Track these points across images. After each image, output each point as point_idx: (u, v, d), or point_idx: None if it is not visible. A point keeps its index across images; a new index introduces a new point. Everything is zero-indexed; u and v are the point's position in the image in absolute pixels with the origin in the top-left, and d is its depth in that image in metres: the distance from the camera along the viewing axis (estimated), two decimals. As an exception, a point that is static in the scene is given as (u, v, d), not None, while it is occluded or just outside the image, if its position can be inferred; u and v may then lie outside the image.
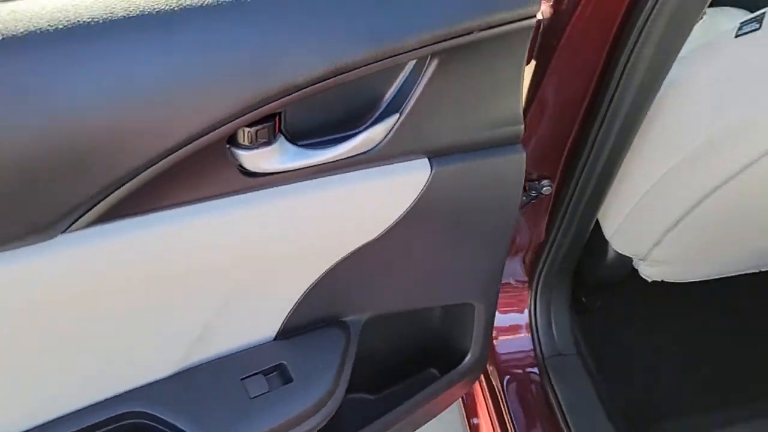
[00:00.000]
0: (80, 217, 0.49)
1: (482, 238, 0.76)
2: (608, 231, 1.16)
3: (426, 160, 0.65)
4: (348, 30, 0.52)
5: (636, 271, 1.21)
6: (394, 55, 0.55)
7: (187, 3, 0.49)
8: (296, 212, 0.61)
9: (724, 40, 0.88)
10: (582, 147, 0.93)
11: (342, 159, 0.59)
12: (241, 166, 0.56)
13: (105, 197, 0.49)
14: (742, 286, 1.29)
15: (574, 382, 1.10)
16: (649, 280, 1.22)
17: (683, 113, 0.95)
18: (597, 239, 1.18)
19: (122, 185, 0.49)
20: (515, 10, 0.59)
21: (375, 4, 0.53)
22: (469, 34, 0.58)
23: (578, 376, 1.11)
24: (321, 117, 0.59)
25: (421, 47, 0.56)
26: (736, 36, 0.85)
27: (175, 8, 0.48)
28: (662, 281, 1.22)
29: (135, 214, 0.53)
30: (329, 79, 0.53)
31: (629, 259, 1.20)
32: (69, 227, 0.50)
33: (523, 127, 0.69)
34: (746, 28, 0.84)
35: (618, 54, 0.81)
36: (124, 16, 0.47)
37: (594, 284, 1.29)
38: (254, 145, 0.54)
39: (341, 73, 0.53)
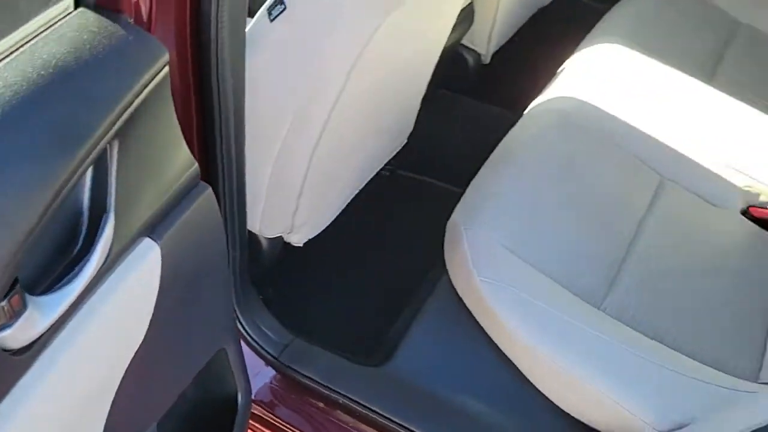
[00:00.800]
0: None
1: (214, 281, 0.76)
2: (254, 225, 1.24)
3: (149, 239, 0.62)
4: (48, 144, 0.46)
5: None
6: (93, 149, 0.51)
7: None
8: (69, 363, 0.52)
9: (263, 25, 1.01)
10: (213, 162, 0.97)
11: (91, 281, 0.53)
12: (6, 349, 0.45)
13: None
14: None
15: (313, 357, 1.19)
16: (301, 245, 1.36)
17: (264, 104, 1.07)
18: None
19: None
20: (155, 63, 0.59)
21: (59, 104, 0.48)
22: (131, 105, 0.57)
23: (311, 351, 1.20)
24: (41, 252, 0.51)
25: (107, 133, 0.53)
26: (272, 20, 0.99)
27: None
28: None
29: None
30: (52, 204, 0.46)
31: (279, 239, 1.31)
32: None
33: (197, 165, 0.71)
34: (276, 11, 0.98)
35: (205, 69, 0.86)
36: None
37: (260, 278, 1.37)
38: (14, 318, 0.45)
39: (60, 192, 0.47)
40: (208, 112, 0.89)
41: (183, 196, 0.68)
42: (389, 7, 1.04)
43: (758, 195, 1.25)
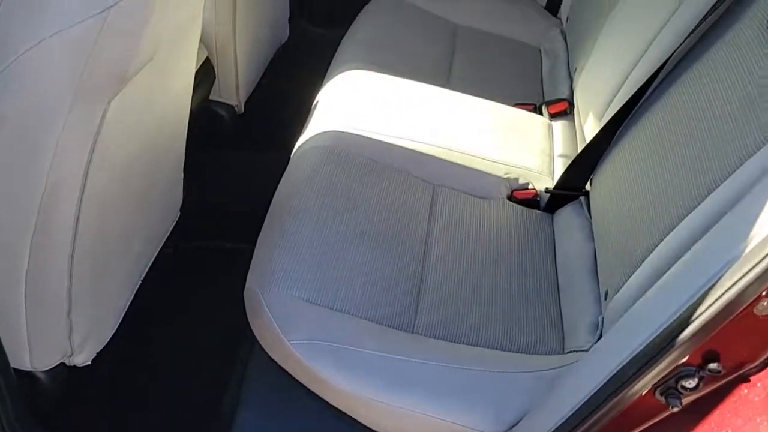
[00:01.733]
0: None
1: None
2: (23, 362, 1.09)
3: None
4: None
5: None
6: None
7: None
8: None
9: None
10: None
11: None
12: None
13: None
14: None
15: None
16: (90, 362, 1.21)
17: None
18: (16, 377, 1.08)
19: None
20: None
21: None
22: None
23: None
24: None
25: None
26: None
27: None
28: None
29: None
30: None
31: (61, 366, 1.16)
32: None
33: None
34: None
35: None
36: None
37: (51, 415, 1.20)
38: None
39: None
40: None
41: None
42: (110, 92, 0.95)
43: (517, 179, 1.34)
